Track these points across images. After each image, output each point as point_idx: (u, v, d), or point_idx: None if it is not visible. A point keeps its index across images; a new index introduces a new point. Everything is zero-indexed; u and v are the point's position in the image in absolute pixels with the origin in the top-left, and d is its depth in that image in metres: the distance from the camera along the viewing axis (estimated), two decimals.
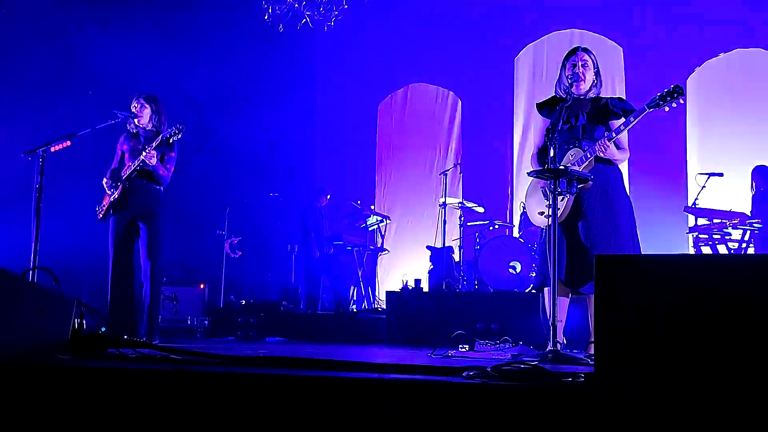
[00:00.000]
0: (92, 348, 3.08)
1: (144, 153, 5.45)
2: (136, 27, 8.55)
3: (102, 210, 5.64)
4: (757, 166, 7.37)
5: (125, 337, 4.91)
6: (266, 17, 9.43)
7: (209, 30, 9.79)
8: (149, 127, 5.67)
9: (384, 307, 7.36)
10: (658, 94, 3.93)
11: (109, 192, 5.62)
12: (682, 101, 3.90)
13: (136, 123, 5.67)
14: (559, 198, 3.86)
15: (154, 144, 5.48)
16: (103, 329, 5.09)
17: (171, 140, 5.54)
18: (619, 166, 4.29)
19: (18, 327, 2.81)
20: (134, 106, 5.68)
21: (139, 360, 2.96)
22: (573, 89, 4.21)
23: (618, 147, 4.19)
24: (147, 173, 5.57)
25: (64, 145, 5.33)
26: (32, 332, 2.87)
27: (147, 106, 5.68)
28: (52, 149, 5.24)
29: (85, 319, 3.25)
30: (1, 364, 2.48)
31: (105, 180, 5.66)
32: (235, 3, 10.04)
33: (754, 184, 7.28)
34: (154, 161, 5.48)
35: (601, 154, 4.06)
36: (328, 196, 9.37)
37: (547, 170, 3.78)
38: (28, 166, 5.33)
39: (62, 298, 3.08)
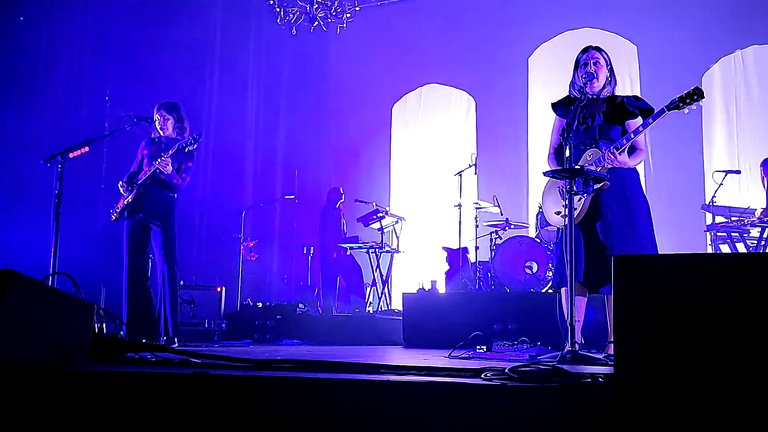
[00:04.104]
0: (112, 352, 3.10)
1: (158, 161, 5.48)
2: (149, 32, 8.60)
3: (116, 212, 5.69)
4: (766, 159, 7.30)
5: (144, 340, 4.96)
6: (279, 21, 9.46)
7: (223, 35, 9.84)
8: (173, 135, 5.70)
9: (400, 308, 7.36)
10: (678, 96, 3.89)
11: (124, 194, 5.66)
12: (701, 103, 3.87)
13: (160, 131, 5.71)
14: (576, 198, 3.84)
15: (170, 152, 5.51)
16: (122, 333, 5.14)
17: (187, 149, 5.56)
18: (636, 167, 4.27)
19: (38, 332, 2.83)
20: (157, 119, 5.71)
21: (159, 364, 2.98)
22: (587, 88, 4.15)
23: (635, 148, 4.17)
24: (162, 180, 5.61)
25: (82, 151, 5.38)
26: (52, 337, 2.89)
27: (170, 117, 5.71)
28: (71, 155, 5.29)
29: (105, 323, 3.27)
30: (22, 369, 2.51)
31: (121, 182, 5.70)
32: (247, 7, 10.09)
33: (764, 177, 7.21)
34: (169, 169, 5.51)
35: (609, 165, 4.05)
36: (342, 199, 9.38)
37: (564, 170, 3.77)
38: (48, 172, 5.39)
39: (82, 302, 3.11)
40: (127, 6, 8.60)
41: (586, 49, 4.31)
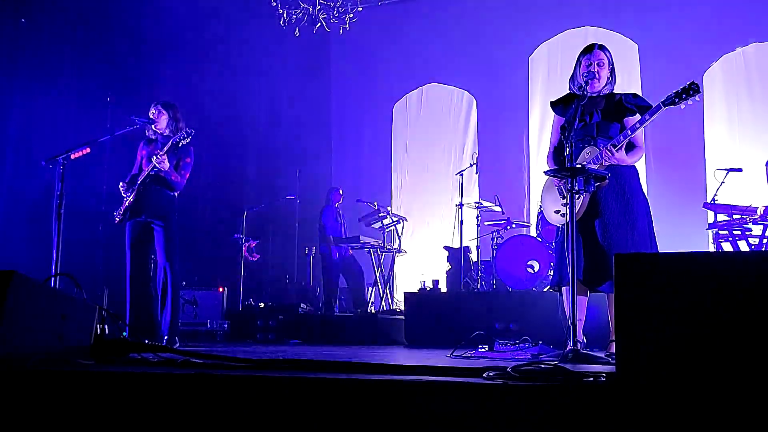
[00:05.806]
0: (114, 353, 3.10)
1: (155, 158, 5.50)
2: (150, 34, 8.61)
3: (119, 215, 5.70)
4: None
5: (146, 341, 4.97)
6: (282, 22, 9.45)
7: (225, 35, 9.83)
8: (166, 133, 5.72)
9: (402, 308, 7.35)
10: (674, 91, 3.89)
11: (124, 195, 5.68)
12: (698, 99, 3.86)
13: (154, 129, 5.74)
14: (576, 196, 3.84)
15: (164, 149, 5.53)
16: (125, 334, 5.15)
17: (180, 144, 5.58)
18: (635, 164, 4.26)
19: (41, 333, 2.84)
20: (152, 113, 5.75)
21: (161, 364, 2.98)
22: (588, 87, 4.14)
23: (633, 146, 4.16)
24: (161, 179, 5.63)
25: (84, 152, 5.39)
26: (55, 338, 2.90)
27: (164, 112, 5.74)
28: (72, 156, 5.30)
29: (107, 323, 3.28)
30: (25, 370, 2.51)
31: (121, 184, 5.71)
32: (250, 8, 10.08)
33: None
34: (165, 165, 5.53)
35: (606, 162, 4.03)
36: (340, 200, 9.36)
37: (564, 169, 3.76)
38: (49, 173, 5.39)
39: (84, 303, 3.11)
40: (128, 7, 8.61)
41: (591, 48, 4.25)
